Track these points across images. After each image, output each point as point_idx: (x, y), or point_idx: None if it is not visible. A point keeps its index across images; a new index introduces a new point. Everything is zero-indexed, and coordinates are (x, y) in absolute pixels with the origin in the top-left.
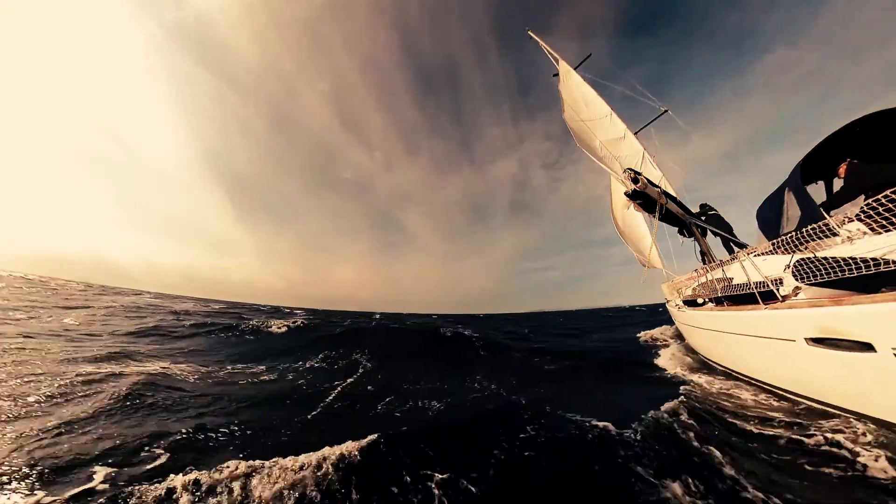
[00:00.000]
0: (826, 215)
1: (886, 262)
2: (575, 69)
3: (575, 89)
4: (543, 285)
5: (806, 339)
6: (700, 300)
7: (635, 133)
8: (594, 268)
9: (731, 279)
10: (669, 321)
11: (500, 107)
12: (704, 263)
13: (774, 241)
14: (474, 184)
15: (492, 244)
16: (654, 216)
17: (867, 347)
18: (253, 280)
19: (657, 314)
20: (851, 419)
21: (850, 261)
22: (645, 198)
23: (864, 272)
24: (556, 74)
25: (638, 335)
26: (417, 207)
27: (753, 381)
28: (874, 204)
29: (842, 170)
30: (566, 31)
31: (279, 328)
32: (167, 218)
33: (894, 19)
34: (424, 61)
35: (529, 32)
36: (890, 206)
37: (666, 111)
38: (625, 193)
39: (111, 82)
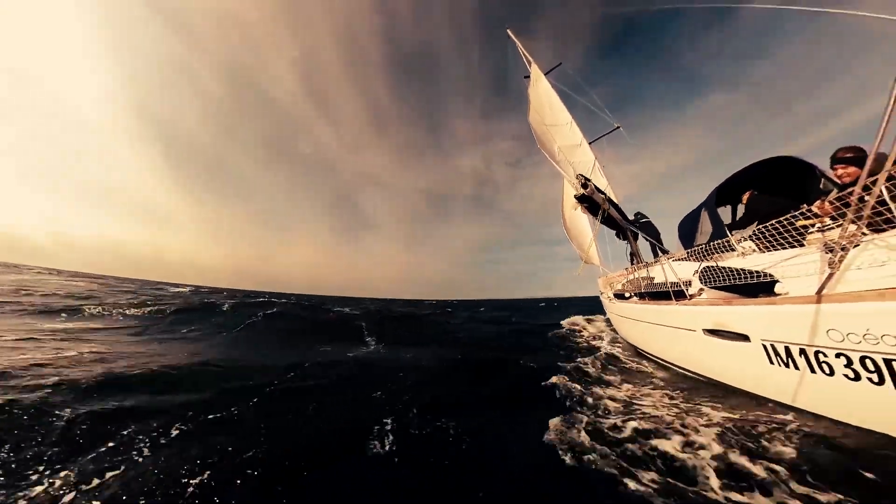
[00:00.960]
0: (729, 234)
1: (765, 275)
2: (545, 75)
3: (543, 94)
4: (498, 276)
5: (703, 330)
6: (627, 294)
7: (590, 143)
8: (543, 263)
9: (653, 278)
10: (582, 312)
11: (472, 101)
12: (633, 264)
13: (689, 250)
14: (439, 174)
15: (452, 234)
16: (598, 219)
17: (744, 338)
18: (194, 259)
19: (572, 306)
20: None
21: (741, 271)
22: (591, 202)
23: (749, 281)
24: (528, 77)
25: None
26: (380, 192)
27: (666, 363)
28: (762, 229)
29: (745, 197)
30: (542, 39)
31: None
32: (89, 184)
33: (805, 90)
34: (404, 42)
35: (508, 31)
36: (773, 232)
37: (618, 127)
38: (574, 196)
39: (21, 10)
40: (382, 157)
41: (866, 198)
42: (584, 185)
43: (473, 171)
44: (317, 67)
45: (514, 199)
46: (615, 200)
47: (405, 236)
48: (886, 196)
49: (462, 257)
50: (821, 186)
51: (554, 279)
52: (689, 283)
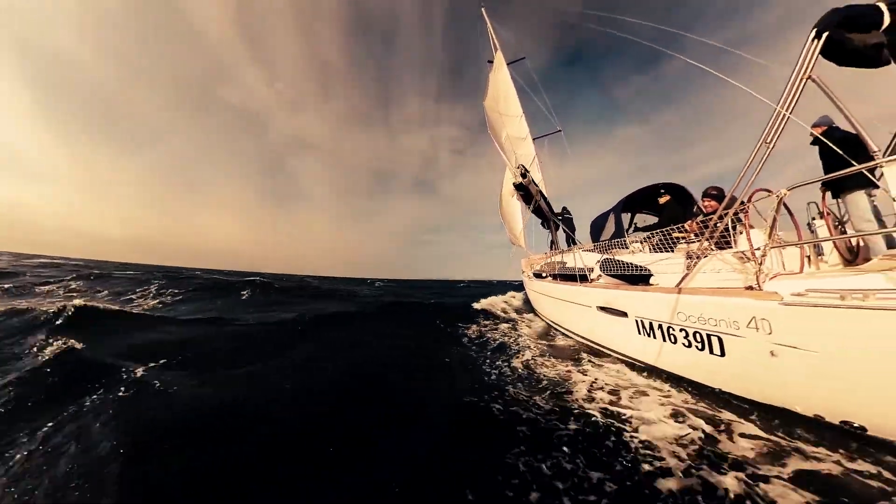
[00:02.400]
0: (626, 235)
1: (645, 269)
2: (508, 65)
3: (502, 82)
4: (433, 257)
5: (597, 307)
6: (544, 274)
7: (534, 139)
8: (475, 248)
9: (566, 263)
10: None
11: (428, 80)
12: (552, 249)
13: (596, 244)
14: (384, 149)
15: (391, 213)
16: (529, 207)
17: (624, 315)
18: (73, 224)
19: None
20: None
21: (630, 265)
22: (526, 191)
23: (633, 272)
24: (491, 62)
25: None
26: (319, 160)
27: (568, 332)
28: (650, 236)
29: (663, 199)
30: (511, 29)
31: None
32: None
33: (694, 138)
34: None
35: (483, 10)
36: (656, 240)
37: (559, 131)
38: (513, 184)
39: None
40: (325, 123)
41: (718, 225)
42: (524, 176)
43: (420, 152)
44: (257, 3)
45: (455, 185)
46: (545, 194)
47: (344, 212)
48: (730, 226)
49: (403, 237)
50: (694, 210)
51: (483, 263)
52: (591, 270)
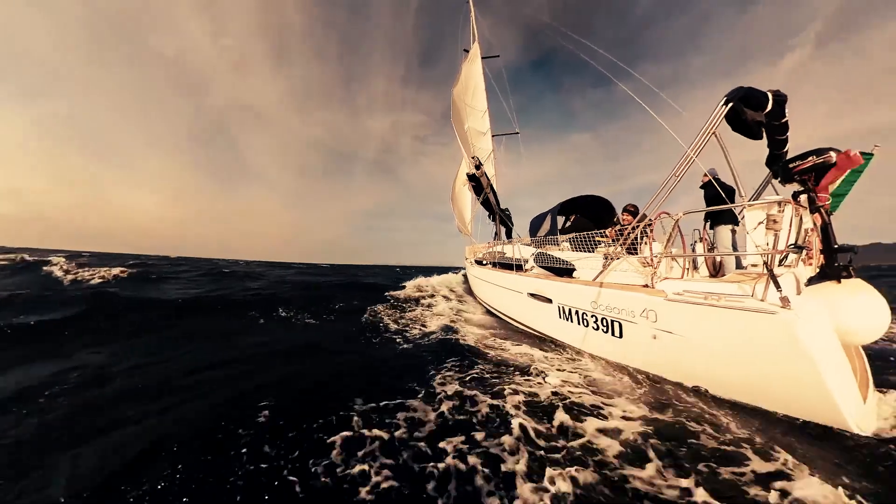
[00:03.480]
0: (558, 233)
1: (570, 264)
2: (483, 59)
3: (473, 75)
4: (389, 243)
5: (528, 293)
6: (484, 262)
7: (493, 136)
8: (430, 236)
9: (505, 253)
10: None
11: (397, 61)
12: (494, 240)
13: (532, 239)
14: (343, 128)
15: (347, 195)
16: (479, 199)
17: (549, 301)
18: None
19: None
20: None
21: (558, 259)
22: (478, 183)
23: (560, 266)
24: (467, 51)
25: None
26: (268, 132)
27: (502, 315)
28: (577, 237)
29: (573, 218)
30: (489, 24)
31: None
32: None
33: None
34: None
35: None
36: (582, 241)
37: (518, 133)
38: (466, 174)
39: None
40: (281, 92)
41: (630, 234)
42: (477, 167)
43: (381, 135)
44: None
45: (414, 172)
46: (495, 189)
47: (295, 192)
48: (638, 237)
49: (358, 221)
50: (614, 220)
51: (437, 250)
52: (526, 261)
